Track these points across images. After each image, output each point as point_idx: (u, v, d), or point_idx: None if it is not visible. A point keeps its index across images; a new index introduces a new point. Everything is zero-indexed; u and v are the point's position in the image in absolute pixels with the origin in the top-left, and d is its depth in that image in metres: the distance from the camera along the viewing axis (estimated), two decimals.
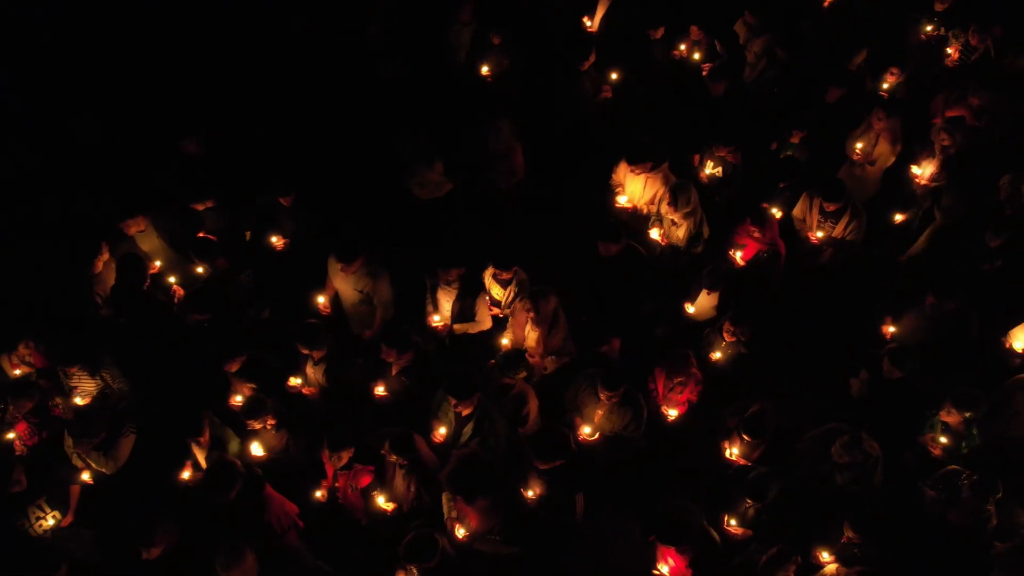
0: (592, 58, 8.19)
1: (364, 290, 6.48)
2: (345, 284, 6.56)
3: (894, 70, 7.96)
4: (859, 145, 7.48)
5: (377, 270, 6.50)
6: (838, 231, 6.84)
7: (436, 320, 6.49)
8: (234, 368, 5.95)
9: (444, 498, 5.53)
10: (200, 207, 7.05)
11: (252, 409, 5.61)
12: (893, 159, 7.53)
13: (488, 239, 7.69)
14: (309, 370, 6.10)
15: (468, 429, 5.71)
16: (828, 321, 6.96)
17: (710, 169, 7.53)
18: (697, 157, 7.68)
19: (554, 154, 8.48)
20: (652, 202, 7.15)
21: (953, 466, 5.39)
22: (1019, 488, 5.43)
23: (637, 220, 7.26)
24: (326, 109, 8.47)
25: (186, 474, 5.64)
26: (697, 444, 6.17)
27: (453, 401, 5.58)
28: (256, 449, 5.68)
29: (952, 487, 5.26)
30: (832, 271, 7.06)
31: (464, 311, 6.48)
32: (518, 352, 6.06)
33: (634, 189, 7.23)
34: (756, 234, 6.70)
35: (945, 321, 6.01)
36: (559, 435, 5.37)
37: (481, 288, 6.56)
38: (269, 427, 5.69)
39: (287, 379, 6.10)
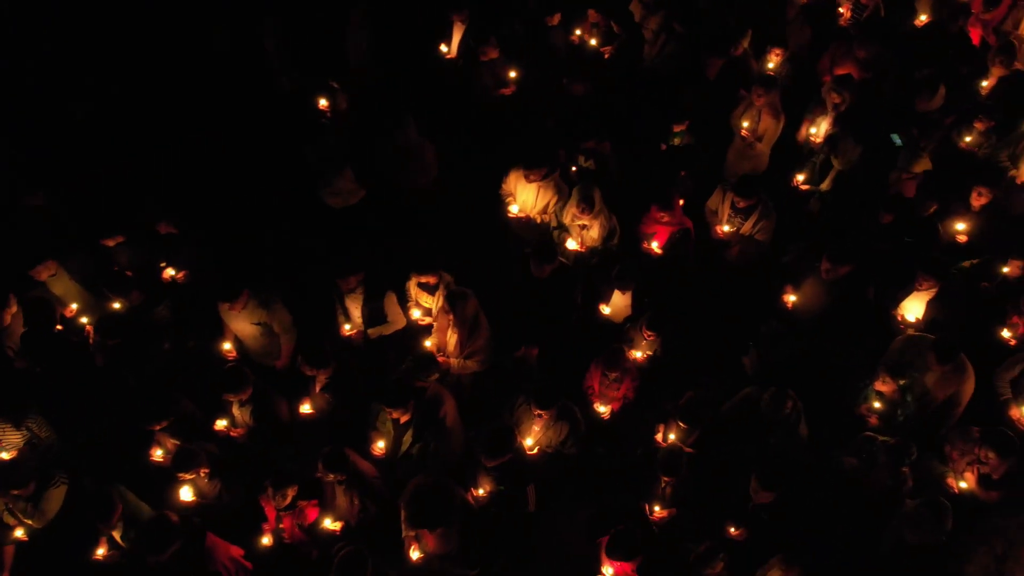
0: (494, 51, 8.17)
1: (261, 321, 6.31)
2: (240, 322, 6.36)
3: (777, 50, 8.07)
4: (745, 124, 7.57)
5: (266, 298, 6.33)
6: (747, 228, 6.88)
7: (348, 329, 6.43)
8: (158, 428, 5.69)
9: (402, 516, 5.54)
10: (111, 243, 6.86)
11: (183, 462, 5.41)
12: (779, 132, 7.64)
13: (406, 245, 7.55)
14: (235, 411, 5.91)
15: (408, 437, 5.71)
16: (734, 301, 7.04)
17: (582, 163, 7.49)
18: (563, 152, 7.63)
19: (466, 149, 8.43)
20: (544, 211, 7.10)
21: (868, 433, 5.53)
22: (934, 442, 5.66)
23: (529, 229, 7.23)
24: (229, 128, 8.36)
25: (100, 551, 5.34)
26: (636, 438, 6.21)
27: (389, 410, 5.58)
28: (186, 494, 5.49)
29: (869, 454, 5.40)
30: (741, 268, 7.11)
31: (374, 314, 6.44)
32: (429, 355, 6.07)
33: (526, 198, 7.14)
34: (665, 218, 6.70)
35: (841, 286, 6.16)
36: (506, 431, 5.44)
37: (388, 289, 6.45)
38: (203, 476, 5.53)
39: (212, 422, 5.90)
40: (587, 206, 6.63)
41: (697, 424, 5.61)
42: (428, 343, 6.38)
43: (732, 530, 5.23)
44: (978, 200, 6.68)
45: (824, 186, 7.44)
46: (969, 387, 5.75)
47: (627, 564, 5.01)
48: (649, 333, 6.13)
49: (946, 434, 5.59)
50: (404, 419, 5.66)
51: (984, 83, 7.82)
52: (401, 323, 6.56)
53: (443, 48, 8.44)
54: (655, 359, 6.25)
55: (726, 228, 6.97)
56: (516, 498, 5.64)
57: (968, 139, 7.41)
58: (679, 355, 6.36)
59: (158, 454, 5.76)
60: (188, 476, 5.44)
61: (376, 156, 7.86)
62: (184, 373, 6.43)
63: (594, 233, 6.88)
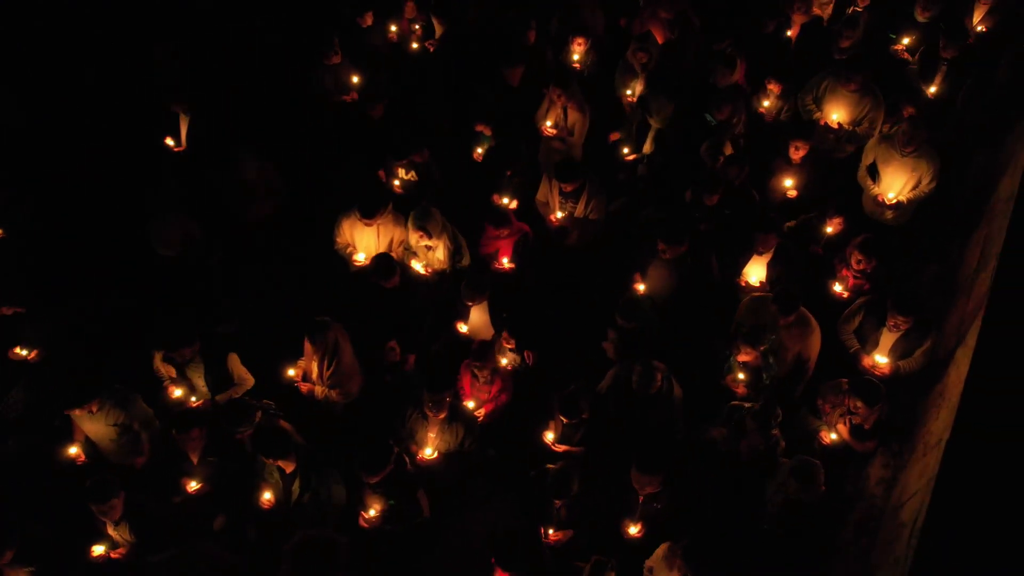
0: (337, 56, 7.89)
1: (119, 422, 5.81)
2: (94, 424, 5.81)
3: (579, 39, 7.95)
4: (549, 123, 7.46)
5: (122, 397, 5.84)
6: (579, 211, 6.82)
7: (195, 400, 6.03)
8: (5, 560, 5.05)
9: None
10: (8, 311, 6.47)
11: None
12: (588, 123, 7.53)
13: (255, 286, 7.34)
14: (111, 531, 5.31)
15: (295, 487, 5.44)
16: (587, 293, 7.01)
17: (403, 176, 7.25)
18: (382, 172, 7.43)
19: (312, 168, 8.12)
20: (390, 249, 6.76)
21: (734, 402, 5.61)
22: (808, 397, 5.77)
23: None
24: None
25: None
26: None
27: (270, 461, 5.34)
28: None
29: (736, 422, 5.47)
30: (582, 250, 7.07)
31: (220, 379, 6.08)
32: (243, 403, 5.74)
33: (368, 242, 6.76)
34: (504, 233, 6.58)
35: (684, 265, 6.19)
36: (380, 443, 5.23)
37: (225, 348, 6.15)
38: None
39: (88, 551, 5.24)
40: (425, 232, 6.44)
41: (577, 416, 5.50)
42: (291, 371, 6.12)
43: (631, 530, 5.16)
44: (796, 153, 6.85)
45: (646, 148, 7.40)
46: (815, 341, 5.87)
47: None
48: (508, 342, 6.06)
49: (817, 388, 5.66)
50: (289, 469, 5.42)
51: (788, 32, 7.98)
52: (250, 382, 6.22)
53: (169, 141, 7.71)
54: (520, 371, 6.15)
55: (559, 215, 6.90)
56: (408, 509, 5.47)
57: (766, 103, 7.56)
58: (545, 357, 6.25)
59: None
60: None
61: (218, 192, 7.48)
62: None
63: (440, 255, 6.66)
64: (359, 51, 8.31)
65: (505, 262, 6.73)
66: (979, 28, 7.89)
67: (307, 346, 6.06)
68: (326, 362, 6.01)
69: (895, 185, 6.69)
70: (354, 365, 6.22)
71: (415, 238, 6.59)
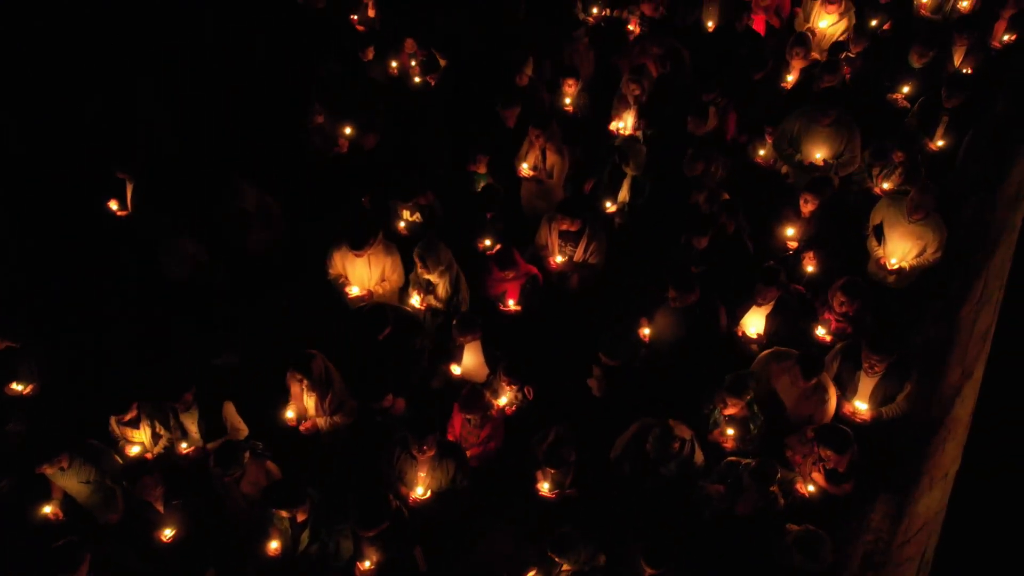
0: (319, 116, 7.83)
1: (91, 479, 5.69)
2: (69, 480, 5.66)
3: (570, 81, 7.93)
4: (525, 165, 7.40)
5: (93, 452, 5.71)
6: (579, 254, 6.71)
7: (185, 447, 5.90)
8: None
9: None
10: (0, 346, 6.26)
11: None
12: (567, 165, 7.46)
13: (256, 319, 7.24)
14: None
15: (305, 536, 5.32)
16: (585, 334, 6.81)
17: (407, 217, 7.20)
18: (366, 200, 7.42)
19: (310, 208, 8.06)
20: (383, 279, 6.68)
21: (731, 457, 5.45)
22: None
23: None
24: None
25: None
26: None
27: (284, 513, 5.21)
28: None
29: (734, 479, 5.30)
30: (585, 294, 6.97)
31: (214, 426, 5.96)
32: (233, 445, 5.65)
33: (360, 274, 6.63)
34: (511, 275, 6.47)
35: (691, 313, 6.06)
36: (378, 497, 5.10)
37: (222, 396, 6.03)
38: None
39: None
40: (423, 264, 6.37)
41: (563, 464, 5.41)
42: (290, 413, 5.97)
43: None
44: (806, 206, 6.70)
45: (622, 196, 7.29)
46: (830, 408, 5.65)
47: None
48: (508, 381, 5.91)
49: (785, 442, 5.55)
50: (301, 518, 5.29)
51: (789, 77, 7.99)
52: (244, 432, 6.10)
53: (113, 205, 7.48)
54: (522, 407, 6.04)
55: (559, 259, 6.79)
56: (405, 563, 5.38)
57: (762, 152, 7.58)
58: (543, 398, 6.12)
59: None
60: None
61: (218, 222, 7.42)
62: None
63: (439, 291, 6.57)
64: (344, 100, 8.17)
65: (511, 304, 6.61)
66: (964, 71, 7.91)
67: (293, 387, 5.95)
68: (320, 392, 5.90)
69: (899, 250, 6.54)
70: (345, 388, 6.12)
71: (420, 269, 6.52)
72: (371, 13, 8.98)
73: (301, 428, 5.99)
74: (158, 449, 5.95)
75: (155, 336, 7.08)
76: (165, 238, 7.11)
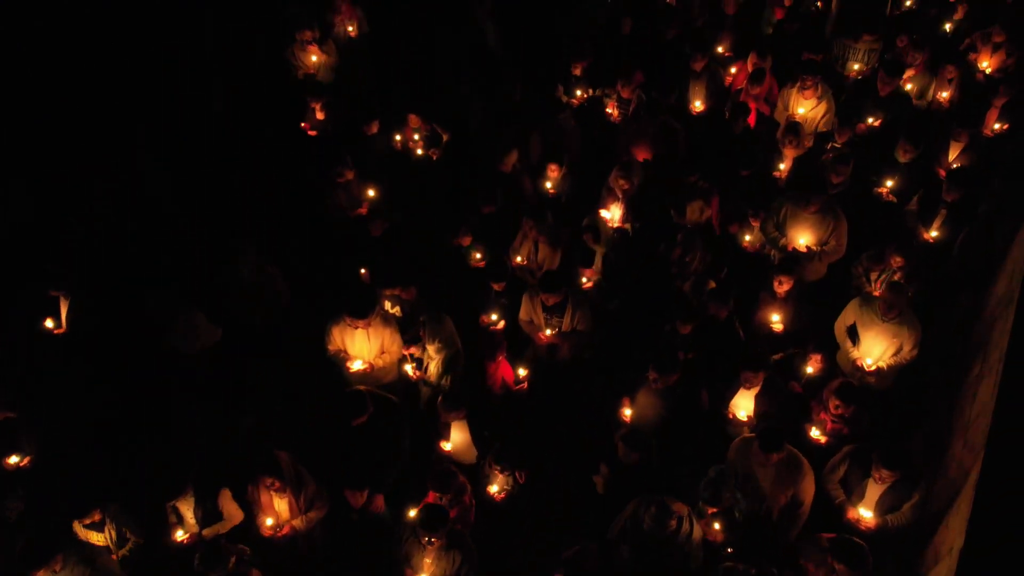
0: (350, 172, 7.93)
1: None
2: None
3: (553, 166, 8.08)
4: (519, 258, 7.53)
5: (86, 553, 5.55)
6: (566, 324, 6.72)
7: (181, 535, 5.81)
8: None
9: None
10: None
11: None
12: (558, 259, 7.55)
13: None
14: None
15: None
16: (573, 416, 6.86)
17: (388, 308, 7.11)
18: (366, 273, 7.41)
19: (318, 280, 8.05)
20: (382, 351, 6.59)
21: (727, 563, 5.27)
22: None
23: (374, 376, 6.68)
24: None
25: None
26: None
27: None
28: None
29: None
30: (573, 364, 7.03)
31: (209, 513, 5.89)
32: (219, 549, 5.51)
33: (360, 347, 6.54)
34: (501, 357, 6.52)
35: (673, 394, 6.05)
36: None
37: (217, 485, 5.94)
38: None
39: None
40: (428, 336, 6.42)
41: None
42: (269, 521, 5.83)
43: None
44: (780, 288, 6.77)
45: (594, 272, 7.39)
46: (808, 485, 5.59)
47: None
48: (499, 468, 5.83)
49: (798, 546, 5.44)
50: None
51: (781, 166, 8.12)
52: (239, 518, 5.97)
53: (49, 323, 7.17)
54: (514, 495, 5.92)
55: (548, 332, 6.80)
56: None
57: (748, 237, 7.64)
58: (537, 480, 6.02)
59: None
60: None
61: (223, 293, 7.42)
62: None
63: (432, 367, 6.57)
64: (370, 163, 8.37)
65: (521, 372, 6.64)
66: (955, 166, 7.97)
67: (263, 495, 5.81)
68: (293, 490, 5.81)
69: (875, 351, 6.45)
70: (318, 487, 6.04)
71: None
72: (320, 116, 8.73)
73: (278, 536, 5.85)
74: (124, 552, 5.84)
75: (155, 409, 7.05)
76: (177, 312, 7.12)
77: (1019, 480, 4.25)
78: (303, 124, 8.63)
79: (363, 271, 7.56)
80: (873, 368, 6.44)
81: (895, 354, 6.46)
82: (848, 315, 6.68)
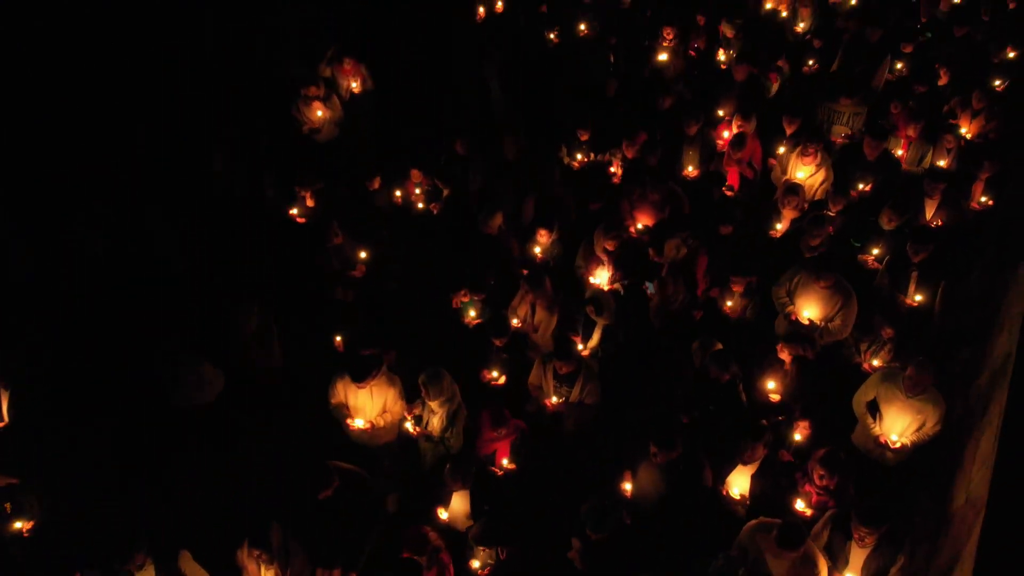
0: (338, 237, 8.05)
1: None
2: None
3: (542, 231, 8.09)
4: (515, 320, 7.54)
5: None
6: (575, 395, 6.67)
7: None
8: None
9: None
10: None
11: None
12: (555, 322, 7.58)
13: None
14: None
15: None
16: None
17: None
18: None
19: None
20: (384, 411, 6.61)
21: None
22: None
23: (374, 436, 6.76)
24: None
25: None
26: None
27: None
28: None
29: None
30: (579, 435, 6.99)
31: None
32: None
33: (363, 404, 6.58)
34: (503, 432, 6.44)
35: (675, 470, 5.99)
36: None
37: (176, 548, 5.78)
38: None
39: None
40: (430, 392, 6.43)
41: None
42: None
43: None
44: (785, 356, 6.71)
45: (592, 343, 7.39)
46: None
47: None
48: (482, 548, 5.76)
49: None
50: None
51: (778, 226, 8.20)
52: None
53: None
54: (495, 572, 5.82)
55: (554, 400, 6.76)
56: None
57: (729, 303, 7.53)
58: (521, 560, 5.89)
59: None
60: None
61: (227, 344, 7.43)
62: None
63: (435, 421, 6.59)
64: (362, 226, 8.44)
65: (505, 463, 6.49)
66: (934, 224, 8.05)
67: (249, 566, 5.77)
68: (280, 564, 5.77)
69: (897, 427, 6.29)
70: (305, 559, 6.00)
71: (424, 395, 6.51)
72: (309, 203, 8.67)
73: None
74: None
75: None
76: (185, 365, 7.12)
77: (1021, 538, 4.29)
78: (292, 212, 8.62)
79: (337, 339, 7.48)
80: (898, 445, 6.30)
81: (918, 430, 6.34)
82: (868, 390, 6.53)
